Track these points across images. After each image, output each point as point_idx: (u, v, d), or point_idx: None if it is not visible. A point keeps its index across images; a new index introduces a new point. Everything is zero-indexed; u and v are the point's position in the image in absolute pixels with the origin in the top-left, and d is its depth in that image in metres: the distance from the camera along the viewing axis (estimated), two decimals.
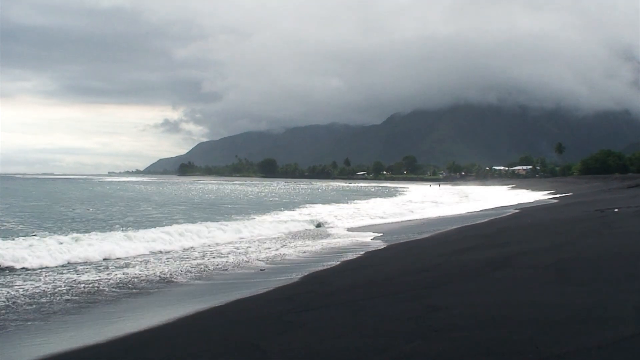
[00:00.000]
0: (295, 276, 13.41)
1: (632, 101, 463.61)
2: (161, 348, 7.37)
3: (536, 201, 47.47)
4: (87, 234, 20.64)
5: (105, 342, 8.26)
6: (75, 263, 16.52)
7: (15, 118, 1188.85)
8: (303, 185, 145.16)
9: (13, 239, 19.54)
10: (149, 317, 10.00)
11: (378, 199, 63.12)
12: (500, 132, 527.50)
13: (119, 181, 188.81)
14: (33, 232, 23.38)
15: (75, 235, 20.06)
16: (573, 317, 6.20)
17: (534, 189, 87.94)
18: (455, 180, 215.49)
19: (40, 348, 8.19)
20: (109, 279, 14.01)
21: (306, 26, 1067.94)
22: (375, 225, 30.45)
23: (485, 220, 27.49)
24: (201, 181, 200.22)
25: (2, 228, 26.26)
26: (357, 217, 35.58)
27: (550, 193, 66.93)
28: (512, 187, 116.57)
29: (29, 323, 9.81)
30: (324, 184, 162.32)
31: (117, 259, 17.47)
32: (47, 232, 23.30)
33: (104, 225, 28.76)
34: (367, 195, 79.57)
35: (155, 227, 24.18)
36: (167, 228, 23.36)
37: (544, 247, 12.37)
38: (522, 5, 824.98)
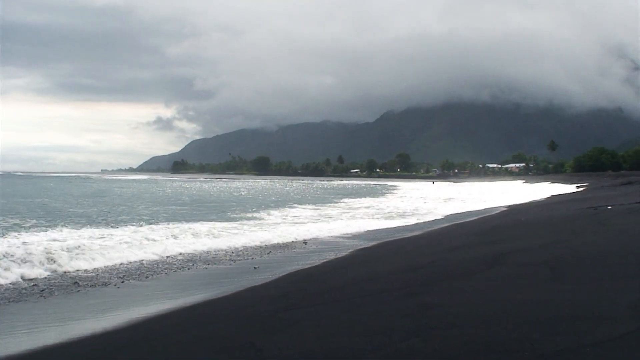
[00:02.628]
0: (290, 274, 13.40)
1: (625, 99, 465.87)
2: (153, 345, 7.35)
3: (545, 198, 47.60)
4: None
5: (95, 336, 8.26)
6: None
7: (8, 116, 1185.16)
8: (321, 184, 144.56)
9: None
10: (140, 310, 10.03)
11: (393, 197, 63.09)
12: (493, 130, 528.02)
13: (133, 179, 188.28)
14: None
15: None
16: (567, 315, 6.21)
17: (564, 182, 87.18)
18: (448, 177, 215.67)
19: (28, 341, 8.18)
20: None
21: (299, 24, 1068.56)
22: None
23: (476, 218, 27.56)
24: (213, 179, 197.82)
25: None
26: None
27: (580, 186, 67.31)
28: (523, 182, 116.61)
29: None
30: (339, 182, 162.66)
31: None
32: None
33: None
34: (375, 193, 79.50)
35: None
36: None
37: (538, 245, 12.39)
38: (515, 3, 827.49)
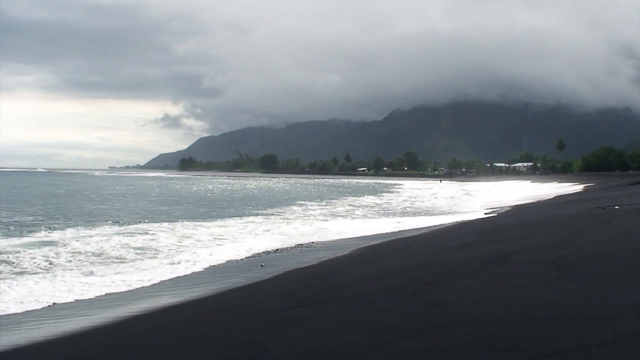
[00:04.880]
0: (296, 271, 13.41)
1: (633, 98, 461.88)
2: (157, 341, 7.38)
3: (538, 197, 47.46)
4: None
5: (99, 331, 8.30)
6: None
7: (15, 112, 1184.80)
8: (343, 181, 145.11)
9: None
10: (144, 306, 10.07)
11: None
12: (500, 129, 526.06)
13: (152, 176, 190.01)
14: None
15: None
16: (573, 314, 6.20)
17: (573, 182, 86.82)
18: (456, 176, 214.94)
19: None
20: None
21: (306, 22, 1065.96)
22: None
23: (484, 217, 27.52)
24: (224, 177, 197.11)
25: None
26: None
27: (586, 185, 67.21)
28: (531, 182, 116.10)
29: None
30: (350, 180, 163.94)
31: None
32: None
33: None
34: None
35: None
36: None
37: (544, 244, 12.37)
38: (523, 1, 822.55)
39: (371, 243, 19.18)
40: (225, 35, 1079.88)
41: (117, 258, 17.02)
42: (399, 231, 23.45)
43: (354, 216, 33.93)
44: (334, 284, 10.72)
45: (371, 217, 33.05)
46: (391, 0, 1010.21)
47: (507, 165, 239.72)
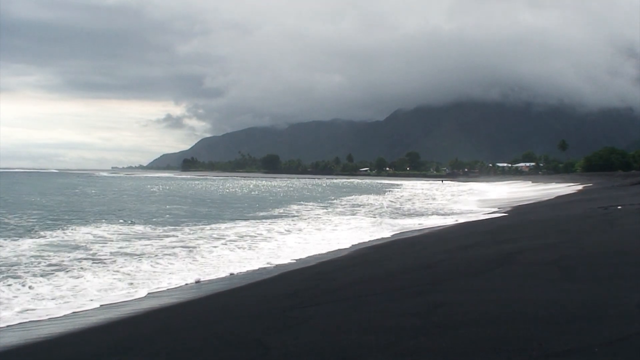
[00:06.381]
0: (299, 271, 13.42)
1: (636, 98, 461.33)
2: (160, 342, 7.39)
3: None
4: None
5: (99, 330, 8.31)
6: None
7: (18, 113, 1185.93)
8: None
9: None
10: (146, 306, 10.09)
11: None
12: (503, 129, 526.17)
13: (162, 176, 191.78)
14: None
15: None
16: (576, 314, 6.20)
17: (575, 182, 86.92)
18: (458, 176, 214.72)
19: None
20: None
21: (309, 22, 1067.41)
22: None
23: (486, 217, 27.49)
24: (230, 178, 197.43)
25: None
26: None
27: (585, 185, 67.41)
28: (533, 182, 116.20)
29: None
30: (358, 180, 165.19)
31: None
32: None
33: None
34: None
35: None
36: None
37: (547, 244, 12.36)
38: (525, 1, 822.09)
39: (374, 243, 19.19)
40: (228, 36, 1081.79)
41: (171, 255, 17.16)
42: (401, 232, 23.45)
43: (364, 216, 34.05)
44: (337, 285, 10.73)
45: (373, 217, 33.01)
46: (393, 0, 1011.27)
47: (510, 165, 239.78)
